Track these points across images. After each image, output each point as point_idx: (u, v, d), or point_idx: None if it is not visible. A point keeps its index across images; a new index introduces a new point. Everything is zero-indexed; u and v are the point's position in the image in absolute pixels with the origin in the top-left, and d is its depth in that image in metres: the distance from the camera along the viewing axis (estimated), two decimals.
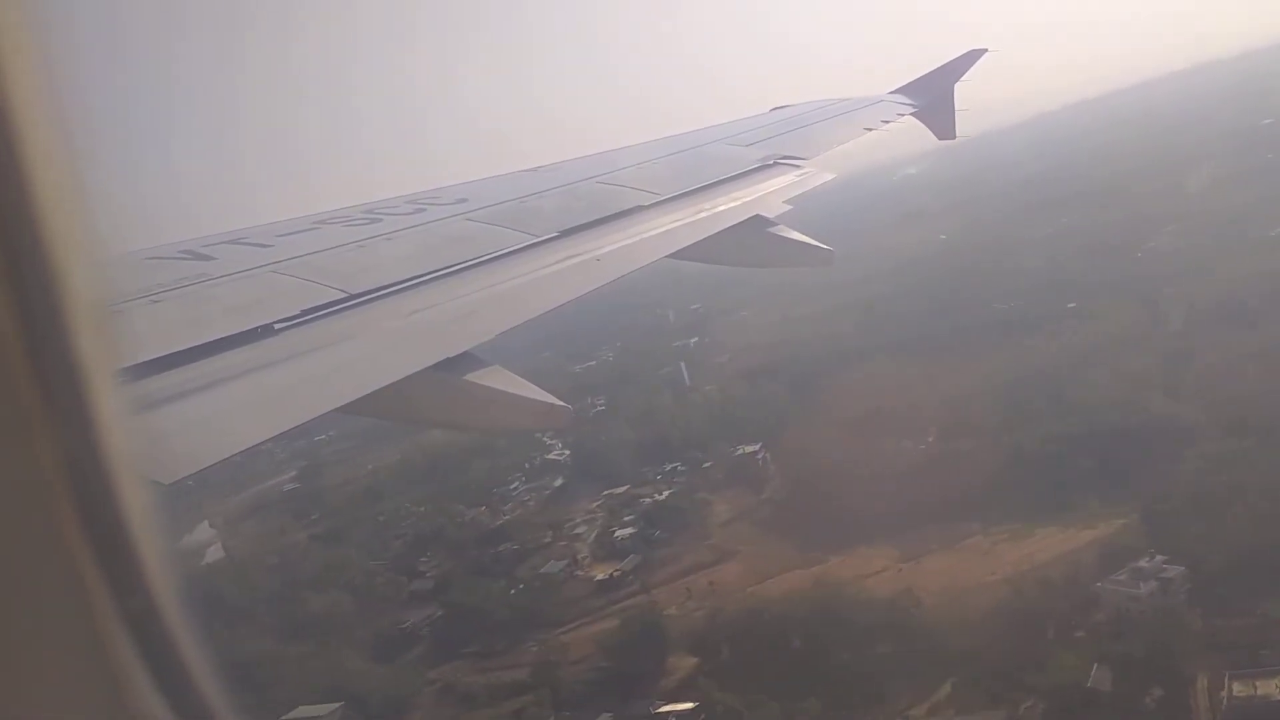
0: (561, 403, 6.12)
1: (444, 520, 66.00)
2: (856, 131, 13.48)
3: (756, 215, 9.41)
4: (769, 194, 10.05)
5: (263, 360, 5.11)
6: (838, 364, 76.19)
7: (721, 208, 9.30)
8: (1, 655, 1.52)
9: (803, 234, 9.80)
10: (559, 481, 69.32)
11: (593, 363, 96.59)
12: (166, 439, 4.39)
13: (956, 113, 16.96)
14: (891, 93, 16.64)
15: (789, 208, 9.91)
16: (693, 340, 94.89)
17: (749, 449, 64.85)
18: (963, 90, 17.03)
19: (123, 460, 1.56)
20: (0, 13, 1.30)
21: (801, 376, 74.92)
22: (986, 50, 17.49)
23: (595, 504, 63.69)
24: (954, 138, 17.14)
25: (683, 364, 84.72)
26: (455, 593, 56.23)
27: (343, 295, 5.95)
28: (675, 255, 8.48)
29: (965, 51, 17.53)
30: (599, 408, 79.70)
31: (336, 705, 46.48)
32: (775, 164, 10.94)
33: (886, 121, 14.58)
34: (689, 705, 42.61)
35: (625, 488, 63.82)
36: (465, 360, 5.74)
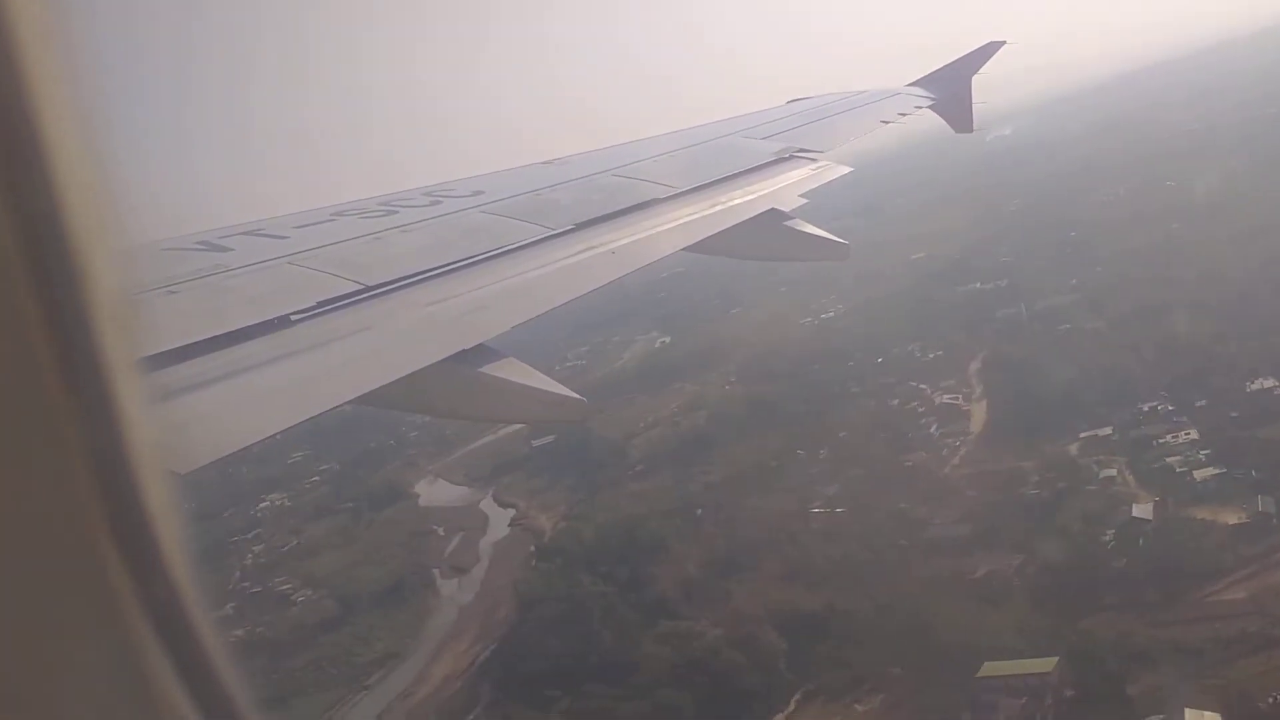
0: (576, 395, 6.15)
1: (877, 464, 61.48)
2: (873, 125, 13.44)
3: (772, 209, 9.39)
4: (785, 187, 10.03)
5: (279, 351, 5.14)
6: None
7: (737, 201, 9.29)
8: (28, 657, 1.53)
9: (818, 227, 9.78)
10: (975, 427, 65.10)
11: (830, 314, 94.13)
12: (184, 428, 4.42)
13: (974, 105, 16.89)
14: (909, 85, 16.55)
15: (804, 201, 9.89)
16: (975, 285, 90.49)
17: (1266, 384, 58.11)
18: (979, 81, 16.94)
19: (147, 454, 1.57)
20: (23, 7, 1.31)
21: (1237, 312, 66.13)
22: (1005, 42, 17.39)
23: (1072, 445, 58.57)
24: (971, 130, 17.04)
25: (1022, 305, 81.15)
26: (1017, 541, 50.28)
27: (359, 287, 5.97)
28: (691, 248, 8.49)
29: (983, 44, 17.42)
30: (935, 354, 76.88)
31: (1054, 660, 41.77)
32: (791, 157, 10.91)
33: (904, 114, 14.51)
34: None
35: (1108, 429, 58.81)
36: (480, 352, 5.76)
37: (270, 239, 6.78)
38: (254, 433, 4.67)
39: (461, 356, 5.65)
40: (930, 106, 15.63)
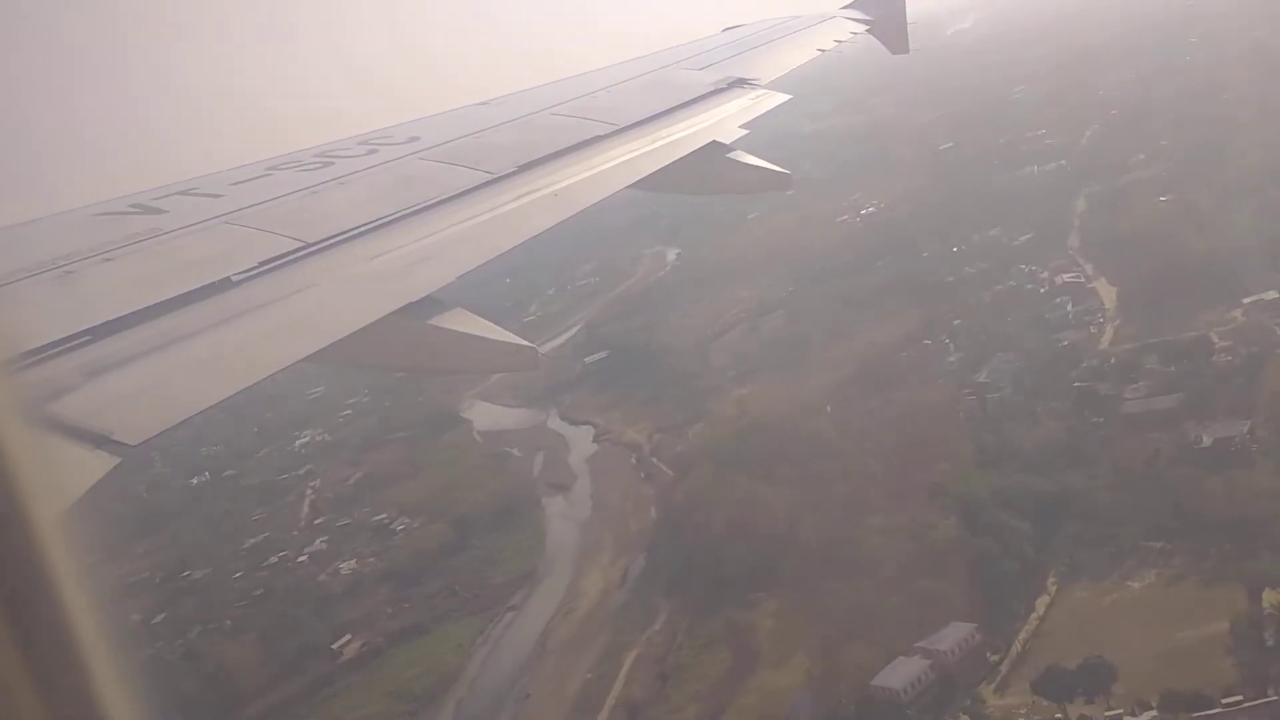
0: (527, 343, 6.12)
1: (1026, 346, 59.76)
2: (810, 52, 13.34)
3: (713, 141, 9.33)
4: (725, 119, 9.96)
5: (222, 315, 5.05)
6: None
7: (678, 135, 9.21)
8: None
9: (759, 158, 9.73)
10: (1109, 303, 63.34)
11: (870, 209, 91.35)
12: (129, 400, 4.34)
13: (909, 25, 16.84)
14: (843, 8, 16.44)
15: (745, 132, 9.83)
16: (1031, 168, 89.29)
17: None
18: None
19: (30, 495, 1.46)
20: None
21: None
22: None
23: (1235, 311, 55.68)
24: (907, 51, 17.01)
25: (1106, 182, 79.86)
26: (1233, 407, 47.96)
27: (299, 244, 5.87)
28: (635, 185, 8.42)
29: None
30: (1025, 237, 74.96)
31: None
32: (729, 87, 10.82)
33: (840, 41, 14.43)
34: None
35: (1273, 293, 55.48)
36: (428, 304, 5.71)
37: (205, 198, 6.63)
38: (203, 400, 4.60)
39: (409, 310, 5.59)
40: (866, 30, 15.57)
